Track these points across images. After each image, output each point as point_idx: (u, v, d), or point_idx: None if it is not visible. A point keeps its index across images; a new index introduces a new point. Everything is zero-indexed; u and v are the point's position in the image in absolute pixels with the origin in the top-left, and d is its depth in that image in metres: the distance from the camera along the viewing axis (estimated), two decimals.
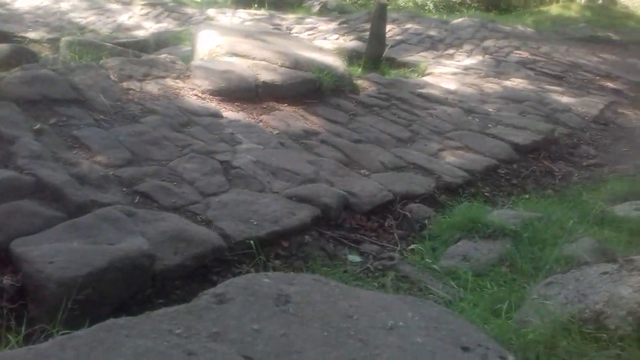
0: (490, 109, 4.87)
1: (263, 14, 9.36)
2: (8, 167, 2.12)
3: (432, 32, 8.41)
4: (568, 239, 2.17)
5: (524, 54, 7.44)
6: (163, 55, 3.99)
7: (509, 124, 4.48)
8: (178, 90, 3.51)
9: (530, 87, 5.90)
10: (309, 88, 4.24)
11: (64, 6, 9.02)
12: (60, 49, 5.32)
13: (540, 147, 4.11)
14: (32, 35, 7.76)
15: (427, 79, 5.98)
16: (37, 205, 1.94)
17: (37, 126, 2.54)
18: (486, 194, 3.30)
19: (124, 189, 2.33)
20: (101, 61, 3.79)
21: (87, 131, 2.71)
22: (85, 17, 8.68)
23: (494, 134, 4.19)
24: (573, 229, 2.29)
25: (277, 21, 8.94)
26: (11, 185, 1.98)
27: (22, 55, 5.68)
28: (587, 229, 2.28)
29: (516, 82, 6.05)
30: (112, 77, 3.33)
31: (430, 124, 4.35)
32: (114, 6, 9.22)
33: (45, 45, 7.43)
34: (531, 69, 6.83)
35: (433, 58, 7.21)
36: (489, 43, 7.86)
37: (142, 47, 7.26)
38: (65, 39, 5.34)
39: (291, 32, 8.44)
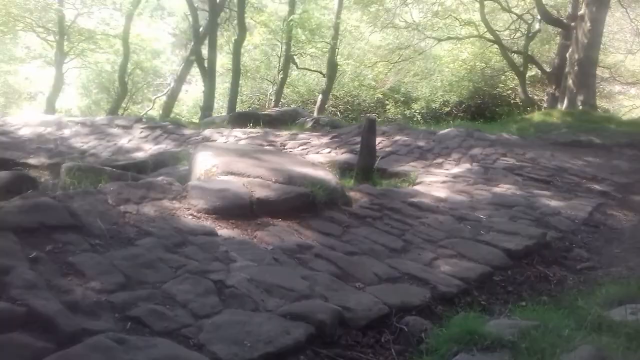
0: (481, 216, 4.95)
1: (258, 132, 9.77)
2: (1, 299, 2.12)
3: (421, 143, 8.75)
4: (566, 347, 2.13)
5: (511, 160, 7.70)
6: (160, 178, 4.13)
7: (500, 229, 4.54)
8: (174, 211, 3.60)
9: (519, 192, 6.04)
10: (302, 202, 4.35)
11: (66, 132, 9.41)
12: (60, 174, 5.49)
13: (533, 251, 4.14)
14: (32, 161, 8.03)
15: (418, 188, 6.13)
16: (27, 337, 1.92)
17: (33, 254, 2.58)
18: (482, 302, 3.28)
19: (117, 315, 2.32)
20: (100, 186, 3.91)
21: (82, 257, 2.75)
22: (86, 142, 9.04)
23: (486, 241, 4.23)
24: (571, 336, 2.26)
25: (272, 138, 9.32)
26: (3, 317, 1.98)
27: (22, 181, 5.84)
28: (584, 336, 2.25)
29: (505, 188, 6.20)
30: (109, 201, 3.43)
31: (423, 232, 4.40)
32: (115, 130, 9.63)
33: (46, 171, 7.67)
34: (518, 174, 7.03)
35: (423, 167, 7.44)
36: (476, 151, 8.16)
37: (141, 168, 7.50)
38: (65, 165, 5.54)
39: (285, 147, 8.77)
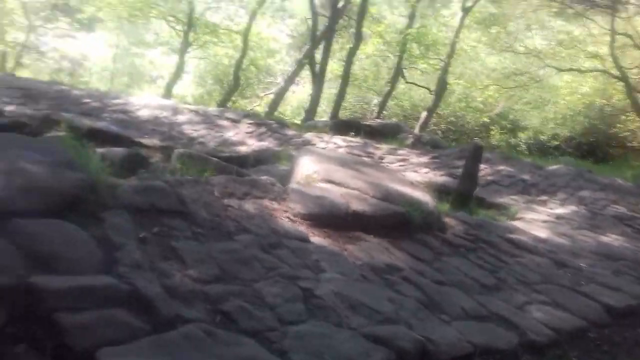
0: (582, 264, 4.64)
1: (358, 142, 9.82)
2: (110, 274, 2.28)
3: (525, 176, 8.37)
4: None
5: (622, 209, 7.16)
6: (264, 177, 4.26)
7: (602, 282, 4.23)
8: (273, 212, 3.69)
9: (627, 245, 5.60)
10: (396, 221, 4.30)
11: (180, 119, 9.98)
12: (171, 158, 5.83)
13: (636, 312, 3.81)
14: (146, 141, 8.57)
15: (517, 223, 5.87)
16: (128, 315, 2.05)
17: (142, 234, 2.75)
18: (573, 358, 3.06)
19: (209, 306, 2.41)
20: (206, 175, 4.11)
21: (184, 243, 2.89)
22: (196, 130, 9.53)
23: (585, 292, 3.96)
24: None
25: (371, 150, 9.33)
26: (109, 293, 2.12)
27: (136, 160, 6.28)
28: None
29: (612, 238, 5.78)
30: (215, 193, 3.59)
31: (518, 272, 4.20)
32: (224, 122, 10.07)
33: (157, 152, 8.17)
34: (629, 225, 6.52)
35: (524, 203, 7.12)
36: (584, 193, 7.67)
37: (242, 162, 7.80)
38: (177, 151, 5.88)
39: (383, 161, 8.74)
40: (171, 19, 19.88)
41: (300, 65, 19.15)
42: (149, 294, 2.21)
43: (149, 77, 26.30)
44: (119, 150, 6.33)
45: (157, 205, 3.13)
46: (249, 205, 3.65)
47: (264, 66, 23.38)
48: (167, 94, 19.19)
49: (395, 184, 5.04)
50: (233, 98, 21.40)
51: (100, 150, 6.29)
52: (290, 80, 20.16)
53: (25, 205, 2.41)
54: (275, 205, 3.83)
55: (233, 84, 19.66)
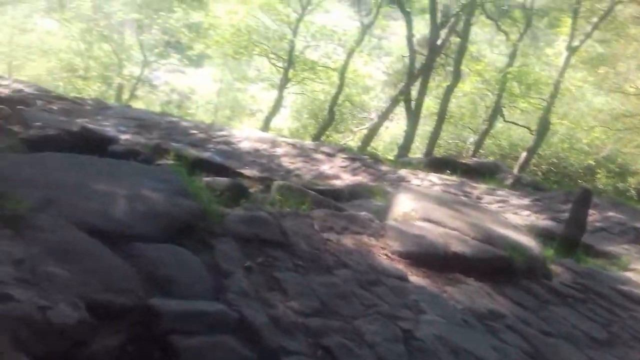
0: None
1: (454, 181, 9.59)
2: (219, 300, 2.36)
3: (638, 224, 7.75)
4: None
5: None
6: (363, 213, 4.27)
7: None
8: (371, 248, 3.68)
9: None
10: (498, 266, 4.12)
11: (278, 151, 10.29)
12: (271, 190, 6.00)
13: None
14: (246, 172, 8.90)
15: (630, 275, 5.42)
16: (236, 342, 2.11)
17: (247, 263, 2.84)
18: None
19: (310, 340, 2.42)
20: (304, 207, 4.19)
21: (286, 275, 2.94)
22: (293, 163, 9.77)
23: None
24: None
25: (468, 189, 9.07)
26: (219, 319, 2.19)
27: (237, 189, 6.53)
28: None
29: None
30: (315, 226, 3.64)
31: (633, 328, 3.87)
32: (319, 156, 10.26)
33: (256, 182, 8.46)
34: None
35: (637, 253, 6.58)
36: None
37: (337, 195, 7.86)
38: (277, 183, 6.05)
39: (481, 201, 8.46)
40: (273, 56, 20.77)
41: (395, 102, 19.21)
42: (256, 323, 2.26)
43: (249, 111, 27.52)
44: (222, 180, 6.62)
45: (261, 236, 3.23)
46: (348, 240, 3.66)
47: (359, 102, 23.68)
48: (266, 127, 19.92)
49: (496, 226, 4.85)
50: (327, 132, 21.81)
51: (206, 179, 6.61)
52: (384, 116, 20.24)
53: (145, 229, 2.57)
54: (373, 241, 3.82)
55: (328, 119, 20.07)
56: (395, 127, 25.39)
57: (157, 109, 23.03)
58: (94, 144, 9.14)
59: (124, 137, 9.64)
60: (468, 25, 16.25)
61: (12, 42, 21.44)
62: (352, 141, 23.47)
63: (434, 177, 9.55)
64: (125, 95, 22.46)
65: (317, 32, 21.08)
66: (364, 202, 7.40)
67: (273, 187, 5.96)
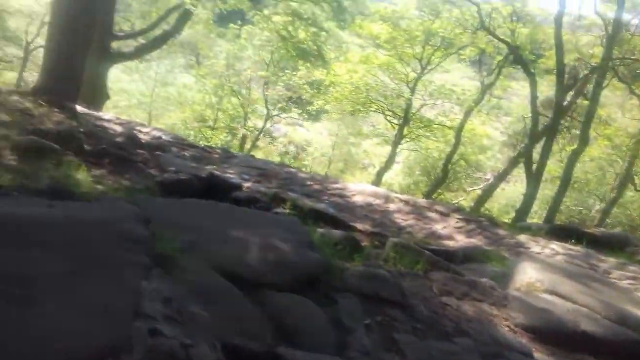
0: None
1: (578, 251, 8.94)
2: (342, 356, 2.40)
3: None
4: None
5: None
6: (484, 280, 4.14)
7: None
8: (492, 317, 3.54)
9: None
10: (632, 350, 3.76)
11: (391, 207, 10.27)
12: (384, 246, 6.00)
13: None
14: (359, 226, 8.96)
15: None
16: None
17: (367, 321, 2.86)
18: None
19: None
20: (418, 267, 4.14)
21: (405, 337, 2.91)
22: (405, 220, 9.69)
23: None
24: None
25: (594, 261, 8.40)
26: None
27: (350, 242, 6.59)
28: None
29: None
30: (434, 289, 3.59)
31: None
32: (432, 215, 10.08)
33: (368, 237, 8.49)
34: None
35: None
36: None
37: (450, 256, 7.63)
38: (392, 240, 6.02)
39: (609, 276, 7.79)
40: (389, 113, 21.14)
41: (513, 163, 18.59)
42: None
43: (362, 165, 27.99)
44: (336, 232, 6.73)
45: (380, 294, 3.24)
46: (468, 307, 3.56)
47: (474, 161, 23.20)
48: (378, 181, 20.09)
49: (630, 305, 4.46)
50: (439, 190, 21.50)
51: (320, 230, 6.77)
52: (501, 177, 19.62)
53: (275, 278, 2.70)
54: (494, 310, 3.67)
55: (441, 177, 19.82)
56: (511, 189, 24.42)
57: (275, 159, 24.20)
58: (219, 190, 9.77)
59: (246, 184, 10.19)
60: (598, 87, 15.47)
61: (154, 94, 23.83)
62: (465, 201, 22.89)
63: (556, 246, 8.97)
64: (248, 145, 23.87)
65: (435, 91, 21.21)
66: (479, 267, 7.11)
67: (388, 244, 5.95)
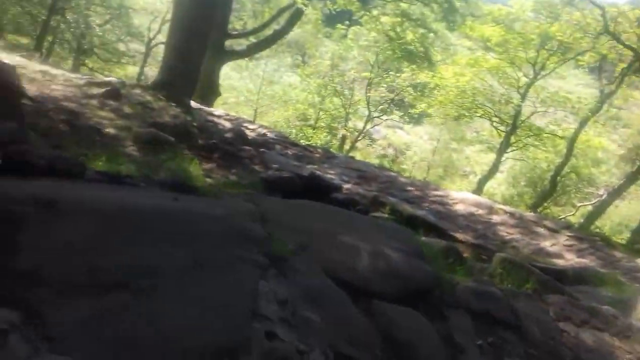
0: None
1: None
2: None
3: None
4: None
5: None
6: (605, 307, 3.82)
7: None
8: (614, 349, 3.25)
9: None
10: None
11: (495, 219, 9.86)
12: (492, 261, 5.75)
13: None
14: (459, 236, 8.67)
15: None
16: None
17: (479, 341, 2.72)
18: None
19: None
20: (527, 285, 3.91)
21: None
22: (510, 234, 9.25)
23: None
24: None
25: None
26: None
27: (452, 254, 6.38)
28: None
29: None
30: (550, 313, 3.36)
31: None
32: (540, 230, 9.55)
33: (469, 248, 8.18)
34: None
35: None
36: None
37: (560, 276, 7.17)
38: (499, 255, 5.76)
39: None
40: (496, 119, 20.31)
41: (631, 179, 17.17)
42: None
43: (462, 172, 27.16)
44: (437, 242, 6.53)
45: (491, 313, 3.09)
46: (587, 336, 3.29)
47: (587, 175, 21.67)
48: (479, 190, 19.37)
49: None
50: (545, 203, 20.34)
51: (422, 238, 6.62)
52: (616, 193, 18.17)
53: (385, 288, 2.65)
54: (616, 342, 3.37)
55: (549, 190, 18.73)
56: (626, 207, 22.58)
57: (373, 161, 24.11)
58: (319, 189, 9.90)
59: (345, 186, 10.22)
60: None
61: (261, 92, 24.63)
62: (574, 217, 21.47)
63: None
64: (347, 146, 23.99)
65: (547, 98, 20.04)
66: (591, 290, 6.62)
67: (494, 258, 5.69)
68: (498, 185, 24.28)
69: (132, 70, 26.46)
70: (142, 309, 1.81)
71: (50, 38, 21.08)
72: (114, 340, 1.66)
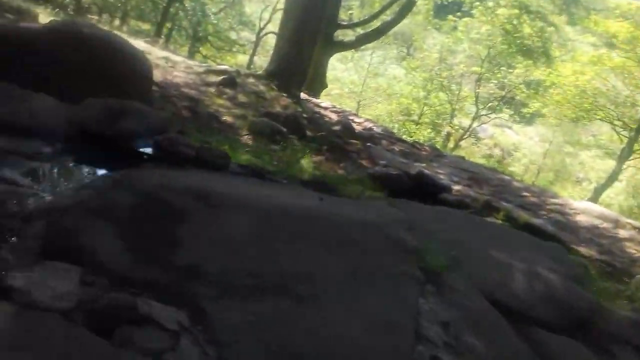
0: None
1: None
2: None
3: None
4: None
5: None
6: None
7: None
8: None
9: None
10: None
11: (622, 234, 9.05)
12: (631, 284, 5.23)
13: None
14: (582, 250, 8.01)
15: None
16: None
17: None
18: None
19: None
20: None
21: None
22: (639, 251, 8.44)
23: None
24: None
25: None
26: None
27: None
28: None
29: None
30: None
31: None
32: None
33: (596, 264, 7.53)
34: None
35: None
36: None
37: None
38: (638, 277, 5.23)
39: None
40: (618, 123, 18.74)
41: None
42: None
43: (576, 178, 25.39)
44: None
45: None
46: None
47: None
48: (595, 198, 18.01)
49: None
50: None
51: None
52: None
53: (544, 314, 2.40)
54: None
55: None
56: None
57: (478, 160, 23.15)
58: (428, 189, 9.59)
59: (456, 187, 9.81)
60: None
61: (365, 84, 24.46)
62: None
63: None
64: (451, 144, 23.27)
65: None
66: None
67: (634, 281, 5.17)
68: (616, 195, 22.45)
69: (242, 59, 27.26)
70: (304, 318, 1.72)
71: (169, 25, 22.18)
72: (279, 349, 1.58)
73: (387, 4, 17.40)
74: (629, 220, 10.08)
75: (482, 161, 23.57)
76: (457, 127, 23.63)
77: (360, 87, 24.32)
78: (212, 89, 9.55)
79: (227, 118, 8.13)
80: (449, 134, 23.20)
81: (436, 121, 23.73)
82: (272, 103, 10.49)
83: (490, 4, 18.16)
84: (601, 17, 18.91)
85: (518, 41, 17.76)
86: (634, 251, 8.46)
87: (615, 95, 18.90)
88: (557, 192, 14.39)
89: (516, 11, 17.39)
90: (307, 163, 7.47)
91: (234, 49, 25.81)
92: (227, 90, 9.77)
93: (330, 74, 21.90)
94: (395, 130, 20.62)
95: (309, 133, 9.40)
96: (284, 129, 8.33)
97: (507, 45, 18.88)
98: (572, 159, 24.93)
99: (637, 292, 4.88)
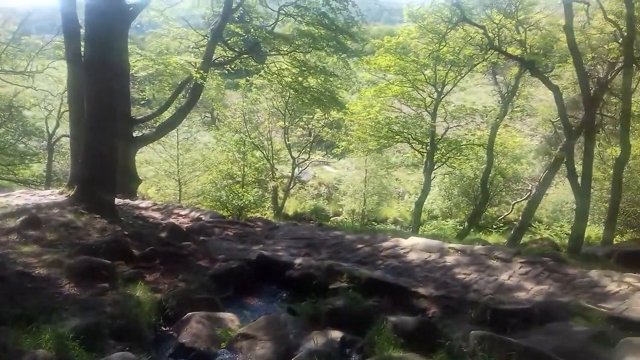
0: None
1: None
2: None
3: None
4: None
5: None
6: None
7: None
8: None
9: None
10: None
11: (449, 261, 9.91)
12: (469, 340, 5.69)
13: None
14: (421, 290, 8.55)
15: None
16: None
17: None
18: None
19: None
20: None
21: None
22: (467, 274, 9.29)
23: None
24: None
25: None
26: None
27: (427, 331, 6.20)
28: None
29: None
30: None
31: None
32: (494, 263, 9.68)
33: (433, 304, 8.09)
34: None
35: None
36: None
37: (527, 317, 7.15)
38: (474, 333, 5.65)
39: None
40: (414, 142, 20.85)
41: (553, 169, 18.11)
42: None
43: (397, 194, 27.63)
44: (409, 321, 6.37)
45: None
46: None
47: (511, 173, 22.70)
48: (418, 212, 19.72)
49: None
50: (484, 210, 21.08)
51: (392, 319, 6.48)
52: (544, 185, 19.00)
53: None
54: None
55: (482, 198, 19.40)
56: (556, 194, 23.80)
57: (309, 203, 23.92)
58: (272, 271, 9.60)
59: (297, 260, 9.94)
60: (628, 85, 14.86)
61: (179, 162, 23.98)
62: (512, 214, 22.34)
63: (632, 279, 8.49)
64: (280, 194, 23.79)
65: (454, 112, 20.85)
66: (564, 328, 6.63)
67: (471, 337, 5.62)
68: (434, 201, 24.86)
69: (38, 168, 25.09)
70: None
71: None
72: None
73: (175, 91, 17.41)
74: (451, 245, 11.11)
75: (312, 202, 24.46)
76: (280, 179, 24.30)
77: (176, 165, 23.79)
78: (14, 236, 8.47)
79: (40, 271, 7.21)
80: (275, 188, 23.74)
81: (260, 178, 24.14)
82: (87, 231, 9.66)
83: (274, 69, 18.92)
84: (371, 57, 20.83)
85: (308, 94, 18.83)
86: (463, 276, 9.31)
87: (405, 118, 21.03)
88: (381, 212, 15.36)
89: (296, 69, 18.35)
90: (144, 294, 6.95)
91: (26, 161, 23.64)
92: (32, 233, 8.74)
93: (139, 156, 20.87)
94: (224, 198, 20.46)
95: (135, 252, 8.79)
96: (107, 261, 7.63)
97: (299, 100, 19.96)
98: (389, 179, 27.15)
99: (476, 348, 5.35)
